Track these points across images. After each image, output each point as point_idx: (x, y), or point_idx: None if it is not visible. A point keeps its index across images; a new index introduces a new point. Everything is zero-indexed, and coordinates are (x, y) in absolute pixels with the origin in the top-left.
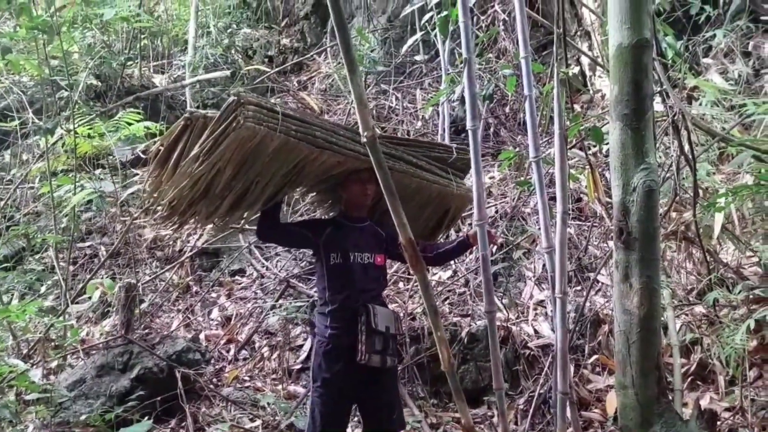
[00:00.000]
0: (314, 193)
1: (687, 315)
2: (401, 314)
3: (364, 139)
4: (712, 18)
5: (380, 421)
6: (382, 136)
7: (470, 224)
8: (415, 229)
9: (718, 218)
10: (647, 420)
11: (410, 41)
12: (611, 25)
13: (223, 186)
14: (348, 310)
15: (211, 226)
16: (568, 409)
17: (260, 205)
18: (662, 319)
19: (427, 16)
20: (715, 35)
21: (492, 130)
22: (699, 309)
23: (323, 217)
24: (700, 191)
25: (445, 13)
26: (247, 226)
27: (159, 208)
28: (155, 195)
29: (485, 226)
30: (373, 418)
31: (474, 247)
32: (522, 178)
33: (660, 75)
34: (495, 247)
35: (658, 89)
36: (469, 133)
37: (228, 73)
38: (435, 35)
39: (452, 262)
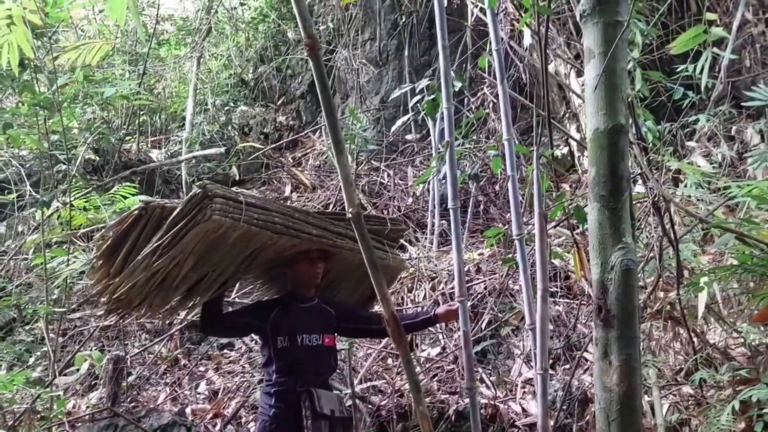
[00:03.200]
0: (259, 279)
1: (675, 395)
2: (389, 390)
3: (349, 215)
4: (696, 103)
5: None
6: (325, 212)
7: (440, 301)
8: (351, 301)
9: (702, 298)
10: None
11: (399, 122)
12: (588, 111)
13: (181, 278)
14: (293, 392)
15: (156, 314)
16: None
17: (211, 293)
18: (648, 398)
19: (416, 98)
20: (698, 119)
21: (482, 207)
22: (687, 389)
23: (266, 299)
24: (686, 271)
25: (432, 96)
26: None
27: (103, 300)
28: (101, 288)
29: (466, 303)
30: None
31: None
32: (509, 255)
33: (639, 158)
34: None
35: (638, 171)
36: (450, 211)
37: (223, 150)
38: (425, 116)
39: (441, 338)
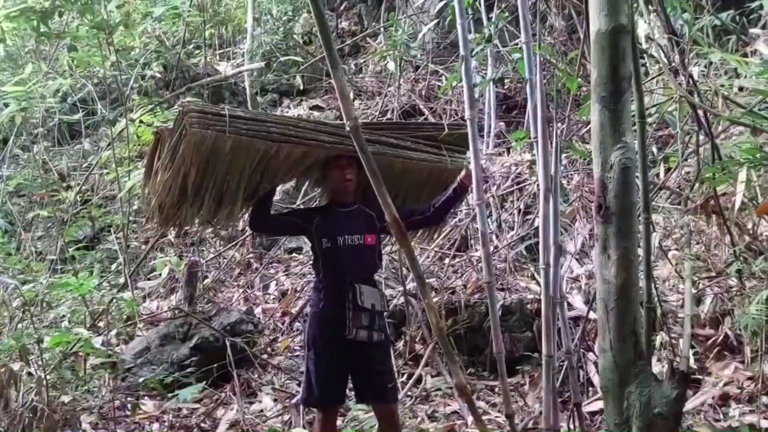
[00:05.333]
0: (308, 182)
1: (720, 287)
2: (439, 287)
3: (348, 128)
4: None
5: (372, 391)
6: (363, 123)
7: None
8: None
9: (739, 189)
10: (624, 381)
11: (425, 29)
12: (591, 12)
13: (193, 187)
14: (338, 288)
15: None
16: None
17: (242, 201)
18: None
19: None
20: (762, 5)
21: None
22: (732, 281)
23: (313, 206)
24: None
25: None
26: None
27: (152, 215)
28: (147, 204)
29: (483, 206)
30: (365, 388)
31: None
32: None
33: (662, 54)
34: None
35: (668, 67)
36: (467, 122)
37: (263, 64)
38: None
39: (494, 238)
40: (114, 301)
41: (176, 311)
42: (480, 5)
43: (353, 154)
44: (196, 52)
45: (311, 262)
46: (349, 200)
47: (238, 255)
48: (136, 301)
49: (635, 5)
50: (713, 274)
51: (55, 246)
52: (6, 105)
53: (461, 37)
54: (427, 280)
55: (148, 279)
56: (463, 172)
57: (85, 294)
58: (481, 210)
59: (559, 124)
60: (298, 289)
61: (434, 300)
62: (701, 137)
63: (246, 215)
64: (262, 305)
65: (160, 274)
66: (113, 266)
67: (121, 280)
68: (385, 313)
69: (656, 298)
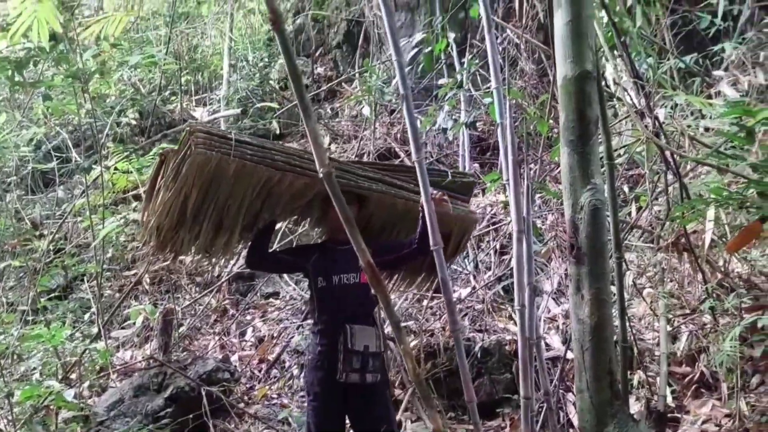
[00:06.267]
0: (307, 220)
1: (694, 324)
2: (417, 330)
3: (321, 175)
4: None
5: None
6: (365, 163)
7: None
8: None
9: (708, 227)
10: (602, 421)
11: (394, 81)
12: (558, 59)
13: (193, 210)
14: (332, 329)
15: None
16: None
17: (240, 230)
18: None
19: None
20: (723, 48)
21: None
22: (706, 318)
23: (311, 243)
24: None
25: (429, 48)
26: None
27: (149, 238)
28: (143, 228)
29: (440, 251)
30: (363, 430)
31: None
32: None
33: (632, 97)
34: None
35: (634, 110)
36: (415, 164)
37: (239, 111)
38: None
39: (471, 279)
40: (87, 351)
41: (150, 361)
42: (452, 51)
43: (354, 189)
44: (172, 98)
45: (309, 304)
46: (347, 237)
47: (214, 301)
48: (110, 351)
49: (601, 51)
50: (687, 311)
51: (27, 296)
52: None
53: (399, 76)
54: (405, 323)
55: (122, 328)
56: (431, 194)
57: (56, 345)
58: (438, 255)
59: (533, 165)
60: (275, 335)
61: (413, 343)
62: (669, 177)
63: (243, 250)
64: (238, 352)
65: (134, 323)
66: (86, 316)
67: (94, 330)
68: (381, 354)
69: (632, 337)
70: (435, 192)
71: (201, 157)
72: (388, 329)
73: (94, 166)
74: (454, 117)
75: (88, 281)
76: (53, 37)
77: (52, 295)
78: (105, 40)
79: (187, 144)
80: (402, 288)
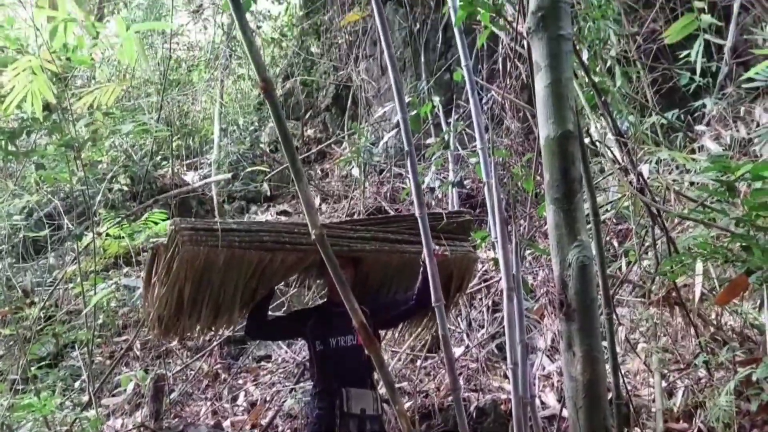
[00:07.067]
0: (311, 277)
1: (689, 378)
2: (411, 390)
3: (313, 237)
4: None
5: None
6: (356, 220)
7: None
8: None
9: (698, 281)
10: None
11: (381, 143)
12: (540, 120)
13: (189, 301)
14: (329, 393)
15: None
16: None
17: (239, 310)
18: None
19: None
20: (704, 104)
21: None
22: (701, 372)
23: (309, 307)
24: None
25: (415, 112)
26: None
27: (152, 327)
28: (147, 316)
29: (442, 307)
30: None
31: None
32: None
33: (615, 154)
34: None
35: (617, 167)
36: (418, 220)
37: (229, 176)
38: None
39: (465, 337)
40: (77, 420)
41: (141, 429)
42: (439, 111)
43: (348, 254)
44: (164, 163)
45: (309, 367)
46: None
47: (206, 366)
48: (100, 419)
49: (583, 110)
50: (682, 366)
51: (17, 365)
52: None
53: (404, 132)
54: (399, 384)
55: (113, 395)
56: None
57: (47, 414)
58: (440, 312)
59: (522, 222)
60: (268, 399)
61: (407, 404)
62: (657, 231)
63: (245, 319)
64: (230, 418)
65: (125, 390)
66: (77, 383)
67: (85, 398)
68: (379, 417)
69: (627, 393)
70: (437, 248)
71: (189, 253)
72: (382, 390)
73: (85, 233)
74: (442, 176)
75: (78, 348)
76: (47, 107)
77: (43, 363)
78: (98, 110)
79: (174, 242)
80: (401, 339)
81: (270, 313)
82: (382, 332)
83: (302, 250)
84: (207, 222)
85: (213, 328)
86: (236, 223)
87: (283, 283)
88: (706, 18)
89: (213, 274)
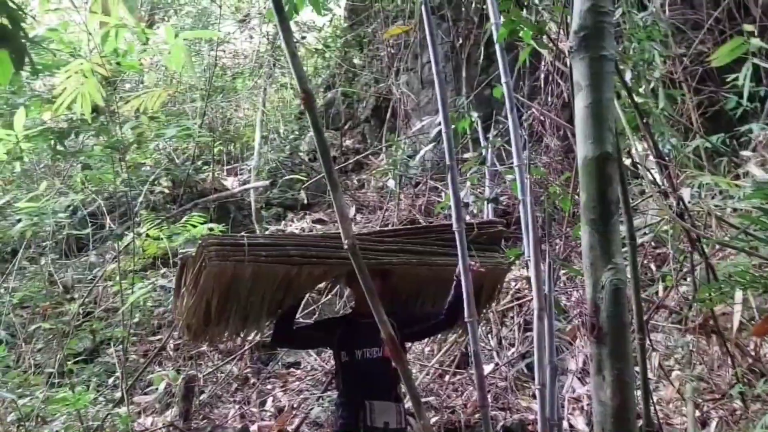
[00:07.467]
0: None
1: (724, 409)
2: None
3: (346, 247)
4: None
5: None
6: (385, 231)
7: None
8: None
9: (737, 310)
10: None
11: (418, 156)
12: (578, 140)
13: (217, 313)
14: (353, 405)
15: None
16: None
17: (266, 318)
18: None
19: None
20: (751, 129)
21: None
22: (737, 403)
23: (337, 316)
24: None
25: (453, 126)
26: None
27: (182, 333)
28: (178, 323)
29: (475, 323)
30: None
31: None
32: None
33: (655, 177)
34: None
35: (657, 190)
36: (456, 234)
37: (268, 182)
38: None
39: (494, 355)
40: (109, 416)
41: (171, 428)
42: (478, 126)
43: (375, 267)
44: (205, 167)
45: (328, 374)
46: (371, 310)
47: (236, 369)
48: (131, 417)
49: (623, 131)
50: (717, 396)
51: (55, 359)
52: (19, 220)
53: (447, 146)
54: (426, 399)
55: (145, 393)
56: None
57: (80, 409)
58: (472, 327)
59: (558, 241)
60: (295, 405)
61: (433, 420)
62: (696, 257)
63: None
64: (258, 422)
65: (156, 389)
66: (110, 380)
67: (118, 395)
68: (403, 430)
69: (658, 421)
70: (473, 264)
71: (216, 268)
72: (408, 404)
73: (126, 233)
74: (477, 191)
75: (114, 345)
76: (95, 109)
77: (79, 358)
78: (144, 114)
79: (201, 257)
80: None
81: (297, 321)
82: (408, 344)
83: (329, 264)
84: (234, 237)
85: (241, 335)
86: (263, 237)
87: (315, 292)
88: (756, 42)
89: (240, 286)
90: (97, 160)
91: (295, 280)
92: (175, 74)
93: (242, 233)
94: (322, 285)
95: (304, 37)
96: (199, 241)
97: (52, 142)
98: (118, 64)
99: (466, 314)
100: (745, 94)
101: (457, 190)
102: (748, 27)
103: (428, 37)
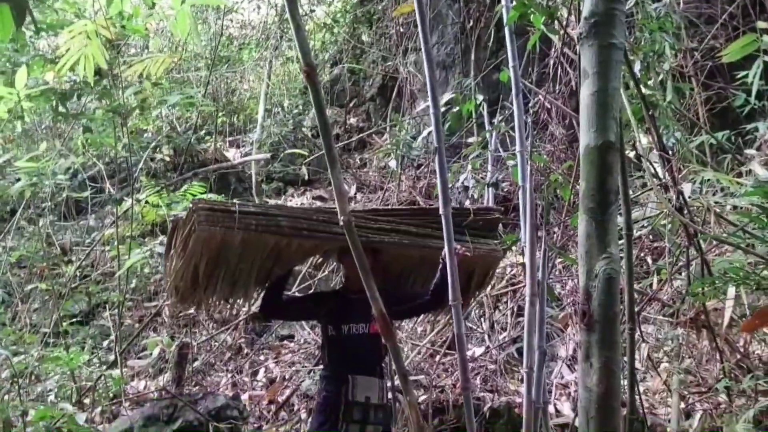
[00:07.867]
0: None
1: (709, 403)
2: (428, 384)
3: (342, 224)
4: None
5: None
6: (379, 210)
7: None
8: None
9: (728, 305)
10: None
11: (419, 138)
12: (582, 128)
13: (205, 276)
14: (336, 378)
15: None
16: None
17: (254, 287)
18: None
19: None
20: (756, 128)
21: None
22: (722, 397)
23: (327, 290)
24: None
25: (458, 108)
26: None
27: (170, 295)
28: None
29: (459, 306)
30: None
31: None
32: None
33: (657, 170)
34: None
35: (657, 183)
36: (442, 218)
37: (269, 155)
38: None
39: (486, 338)
40: (102, 378)
41: (163, 392)
42: (483, 110)
43: (366, 245)
44: (207, 137)
45: (320, 348)
46: (361, 286)
47: (230, 339)
48: (124, 379)
49: (628, 123)
50: (703, 389)
51: (50, 319)
52: (18, 179)
53: (435, 128)
54: (416, 377)
55: (139, 358)
56: (460, 249)
57: (74, 369)
58: (456, 311)
59: (556, 229)
60: (287, 377)
61: (422, 398)
62: (692, 252)
63: (261, 294)
64: (249, 392)
65: (150, 354)
66: (105, 343)
67: (111, 358)
68: (386, 406)
69: (642, 410)
70: (459, 247)
71: (204, 233)
72: (397, 381)
73: (125, 198)
74: (480, 176)
75: (110, 309)
76: (98, 72)
77: (74, 320)
78: (147, 79)
79: (191, 220)
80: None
81: (287, 293)
82: (396, 323)
83: (320, 238)
84: (225, 203)
85: (229, 301)
86: (255, 206)
87: (311, 267)
88: None
89: (229, 253)
90: (99, 123)
91: (284, 250)
92: (181, 41)
93: (235, 200)
94: (318, 260)
95: (313, 11)
96: (191, 205)
97: (54, 103)
98: (123, 27)
99: (450, 297)
100: (754, 92)
101: (445, 173)
102: (761, 24)
103: (417, 14)
